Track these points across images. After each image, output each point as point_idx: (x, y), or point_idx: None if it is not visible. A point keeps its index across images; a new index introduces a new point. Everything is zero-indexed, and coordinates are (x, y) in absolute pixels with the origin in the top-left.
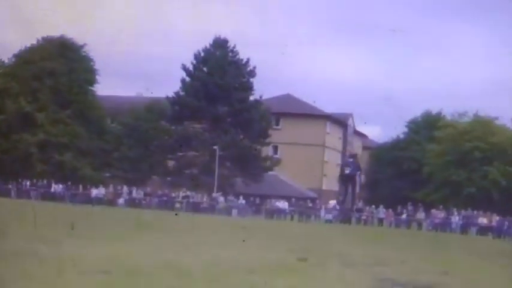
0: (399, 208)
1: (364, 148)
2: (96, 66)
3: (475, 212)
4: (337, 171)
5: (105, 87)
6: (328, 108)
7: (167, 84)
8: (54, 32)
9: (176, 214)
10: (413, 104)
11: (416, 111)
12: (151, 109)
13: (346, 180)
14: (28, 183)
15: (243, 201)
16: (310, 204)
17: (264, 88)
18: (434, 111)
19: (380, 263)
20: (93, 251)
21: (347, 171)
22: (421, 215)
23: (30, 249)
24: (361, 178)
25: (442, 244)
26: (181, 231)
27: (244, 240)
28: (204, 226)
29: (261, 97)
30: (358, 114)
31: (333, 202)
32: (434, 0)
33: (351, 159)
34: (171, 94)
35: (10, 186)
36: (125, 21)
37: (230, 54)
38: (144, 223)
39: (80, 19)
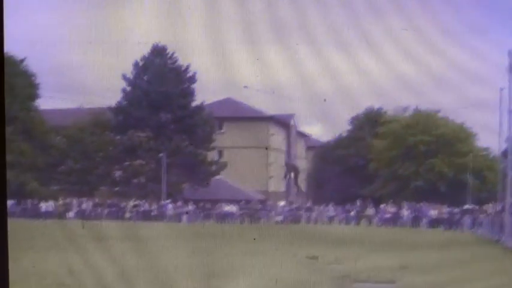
0: (348, 205)
1: (308, 148)
2: (38, 80)
3: (426, 205)
4: (283, 173)
5: (48, 101)
6: (270, 110)
7: (109, 95)
8: None
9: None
10: (354, 101)
11: (357, 108)
12: (96, 120)
13: None
14: None
15: (192, 207)
16: (259, 207)
17: (206, 93)
18: (375, 107)
19: (338, 261)
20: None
21: None
22: (370, 210)
23: None
24: None
25: (396, 239)
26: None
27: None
28: (156, 234)
29: (203, 102)
30: (300, 115)
31: (282, 203)
32: None
33: None
34: (113, 104)
35: None
36: (61, 32)
37: (169, 61)
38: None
39: (17, 31)
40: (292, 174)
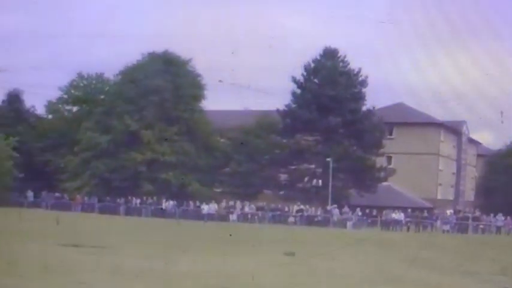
0: None
1: (479, 156)
2: (203, 81)
3: None
4: (452, 180)
5: (212, 102)
6: (441, 116)
7: (273, 97)
8: (159, 47)
9: None
10: None
11: None
12: (261, 123)
13: None
14: (138, 201)
15: (359, 213)
16: (426, 215)
17: (375, 97)
18: None
19: (504, 272)
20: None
21: None
22: None
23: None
24: None
25: None
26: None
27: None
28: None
29: (373, 107)
30: (471, 121)
31: (449, 211)
32: None
33: None
34: (281, 107)
35: (120, 203)
36: (227, 34)
37: (341, 64)
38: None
39: (183, 34)
40: None
